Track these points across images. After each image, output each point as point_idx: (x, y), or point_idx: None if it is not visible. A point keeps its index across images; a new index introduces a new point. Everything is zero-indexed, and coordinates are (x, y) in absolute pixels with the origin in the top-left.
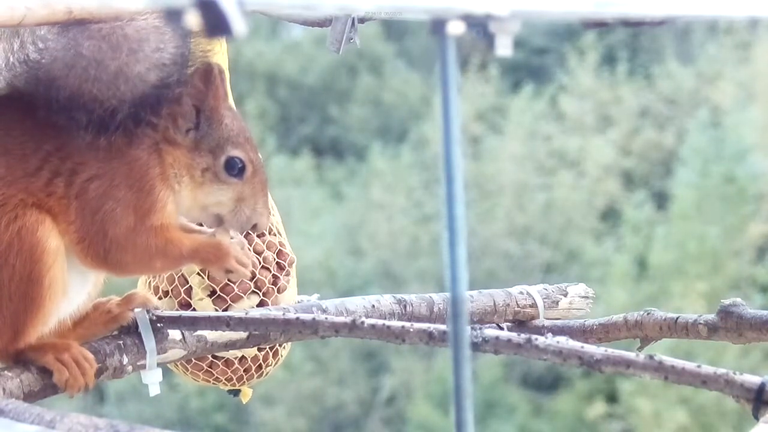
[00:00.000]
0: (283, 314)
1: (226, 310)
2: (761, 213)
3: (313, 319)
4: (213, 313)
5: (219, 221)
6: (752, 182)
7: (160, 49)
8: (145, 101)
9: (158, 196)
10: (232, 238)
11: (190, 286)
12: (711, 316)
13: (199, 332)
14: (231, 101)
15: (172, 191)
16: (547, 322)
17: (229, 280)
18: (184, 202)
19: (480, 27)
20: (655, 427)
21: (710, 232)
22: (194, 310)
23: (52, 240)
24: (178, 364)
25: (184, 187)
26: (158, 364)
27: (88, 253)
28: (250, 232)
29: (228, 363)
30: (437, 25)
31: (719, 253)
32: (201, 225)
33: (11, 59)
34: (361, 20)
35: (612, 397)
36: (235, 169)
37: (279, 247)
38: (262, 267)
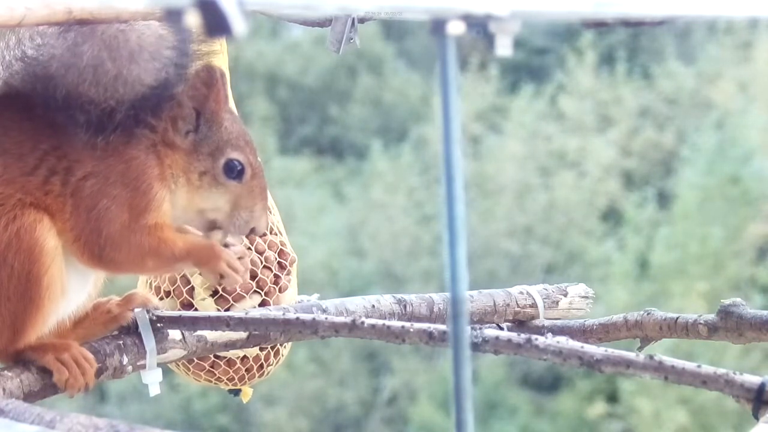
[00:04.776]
0: (283, 314)
1: (228, 309)
2: (762, 214)
3: (313, 319)
4: (213, 313)
5: (213, 227)
6: (757, 183)
7: (162, 53)
8: (145, 103)
9: (155, 196)
10: (233, 244)
11: (192, 286)
12: (711, 316)
13: (199, 332)
14: (231, 103)
15: (168, 192)
16: (547, 322)
17: (220, 285)
18: (180, 204)
19: (480, 27)
20: (655, 427)
21: (712, 232)
22: (196, 309)
23: (50, 240)
24: (180, 364)
25: (180, 189)
26: (158, 364)
27: (84, 251)
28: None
29: (230, 363)
30: (437, 25)
31: (720, 253)
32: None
33: (7, 57)
34: (361, 20)
35: (613, 397)
36: (234, 171)
37: (280, 247)
38: (264, 266)
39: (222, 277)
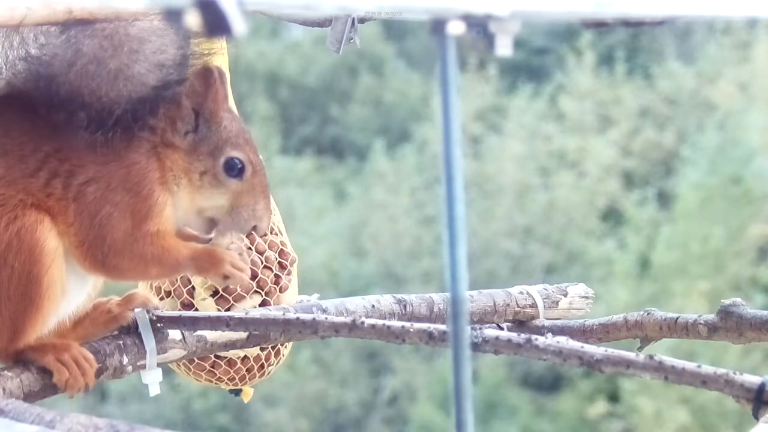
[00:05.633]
0: (283, 314)
1: (228, 309)
2: (763, 214)
3: (313, 319)
4: (213, 313)
5: (213, 227)
6: (759, 184)
7: (162, 50)
8: (145, 102)
9: (156, 201)
10: (232, 242)
11: (193, 286)
12: (711, 316)
13: (199, 332)
14: (231, 102)
15: (170, 195)
16: (547, 322)
17: (224, 287)
18: (182, 205)
19: (480, 27)
20: (656, 427)
21: (713, 232)
22: (197, 310)
23: (50, 240)
24: (180, 364)
25: (182, 189)
26: (158, 364)
27: (87, 257)
28: (252, 232)
29: (230, 363)
30: (437, 25)
31: (722, 253)
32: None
33: (11, 56)
34: (361, 20)
35: (613, 397)
36: (234, 169)
37: (281, 247)
38: (265, 266)
39: (227, 277)
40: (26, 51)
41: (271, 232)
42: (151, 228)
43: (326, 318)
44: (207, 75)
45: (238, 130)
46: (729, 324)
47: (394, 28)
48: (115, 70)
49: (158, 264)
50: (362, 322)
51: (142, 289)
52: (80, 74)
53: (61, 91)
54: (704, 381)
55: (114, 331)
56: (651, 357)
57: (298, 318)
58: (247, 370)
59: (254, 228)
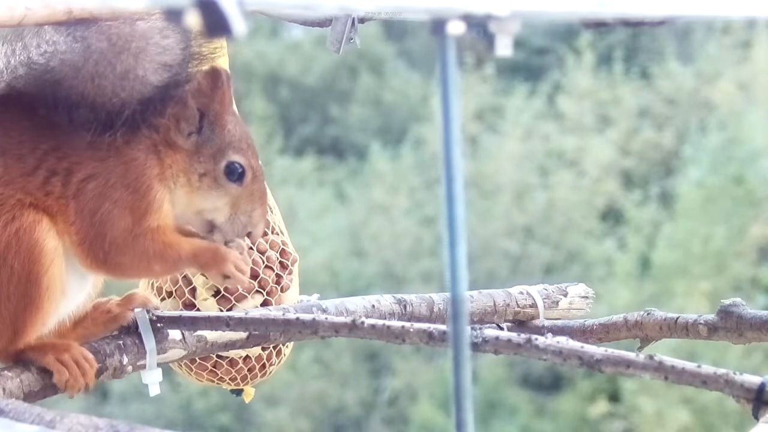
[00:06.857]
0: (283, 314)
1: (230, 309)
2: (765, 214)
3: (313, 319)
4: (213, 314)
5: (211, 228)
6: (761, 184)
7: (166, 50)
8: (149, 102)
9: (155, 197)
10: (232, 240)
11: (194, 286)
12: (711, 316)
13: (199, 332)
14: (233, 104)
15: (169, 192)
16: (547, 322)
17: (225, 287)
18: (179, 204)
19: (480, 27)
20: (657, 427)
21: (715, 232)
22: (198, 310)
23: (49, 240)
24: (182, 364)
25: (180, 189)
26: (158, 364)
27: (89, 255)
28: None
29: (232, 363)
30: (437, 25)
31: (723, 253)
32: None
33: (12, 62)
34: (361, 20)
35: (614, 397)
36: (235, 174)
37: (282, 246)
38: (266, 266)
39: (227, 278)
40: (28, 57)
41: (272, 232)
42: (151, 224)
43: (326, 318)
44: (215, 77)
45: (241, 135)
46: (729, 324)
47: (394, 28)
48: (124, 71)
49: (160, 260)
50: (362, 322)
51: (143, 290)
52: (90, 76)
53: (68, 95)
54: (704, 381)
55: (114, 331)
56: (651, 357)
57: (298, 318)
58: (248, 370)
59: (248, 234)
